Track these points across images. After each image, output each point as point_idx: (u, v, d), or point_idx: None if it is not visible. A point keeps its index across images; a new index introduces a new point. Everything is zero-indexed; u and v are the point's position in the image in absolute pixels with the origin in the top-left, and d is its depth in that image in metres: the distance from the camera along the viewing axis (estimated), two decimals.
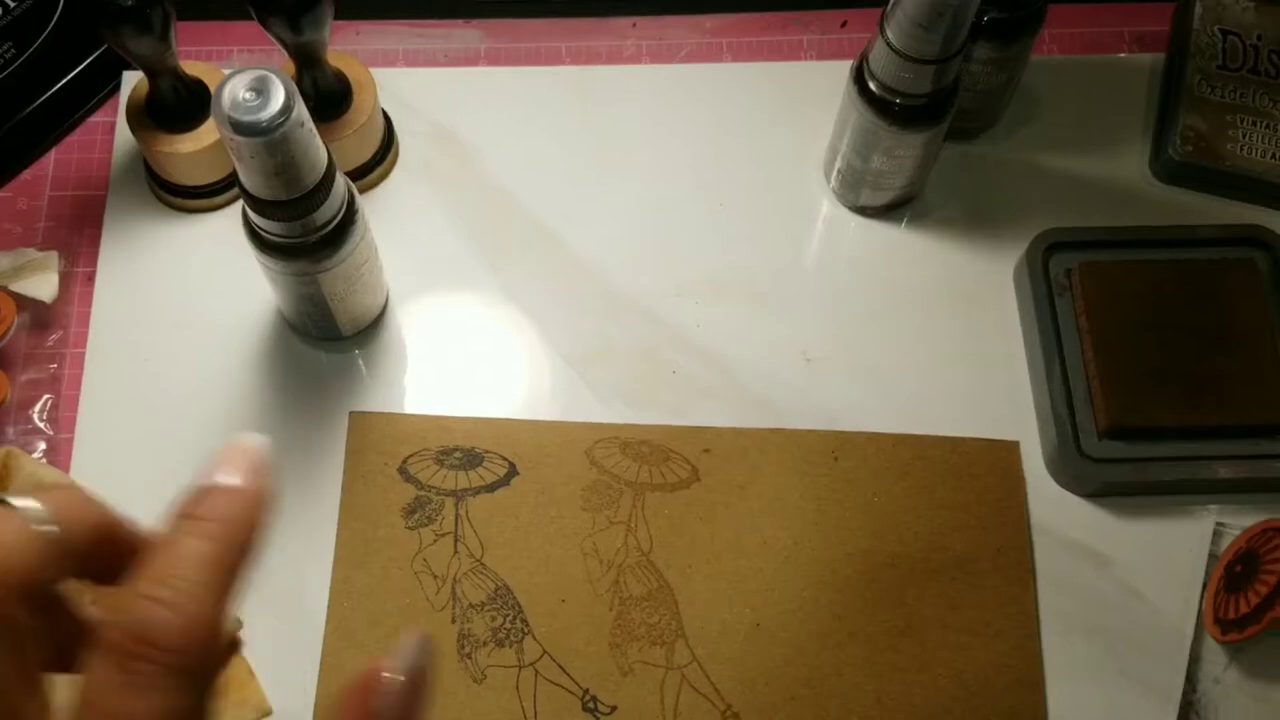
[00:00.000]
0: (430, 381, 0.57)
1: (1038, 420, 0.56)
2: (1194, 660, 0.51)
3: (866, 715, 0.51)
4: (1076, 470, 0.54)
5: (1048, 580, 0.53)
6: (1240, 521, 0.53)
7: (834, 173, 0.61)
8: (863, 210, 0.61)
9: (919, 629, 0.52)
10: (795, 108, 0.64)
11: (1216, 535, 0.53)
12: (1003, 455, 0.55)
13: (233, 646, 0.51)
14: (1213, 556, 0.53)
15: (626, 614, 0.52)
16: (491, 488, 0.54)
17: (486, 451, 0.55)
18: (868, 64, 0.54)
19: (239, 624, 0.51)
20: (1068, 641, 0.52)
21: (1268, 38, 0.63)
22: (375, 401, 0.57)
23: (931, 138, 0.56)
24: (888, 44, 0.52)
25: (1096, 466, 0.54)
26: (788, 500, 0.54)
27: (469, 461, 0.55)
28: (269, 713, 0.50)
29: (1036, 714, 0.51)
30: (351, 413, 0.56)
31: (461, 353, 0.58)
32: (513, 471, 0.55)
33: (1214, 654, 0.51)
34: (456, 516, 0.54)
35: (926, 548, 0.53)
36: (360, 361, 0.58)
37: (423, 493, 0.54)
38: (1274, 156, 0.60)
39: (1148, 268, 0.56)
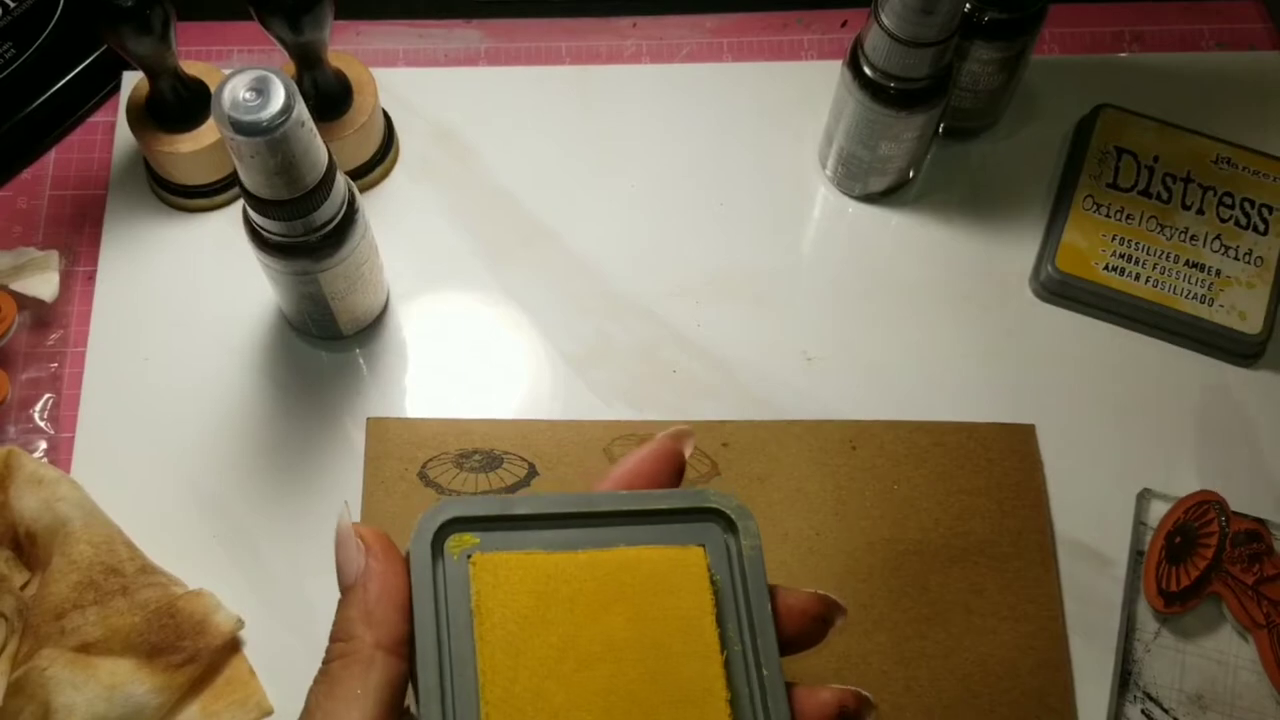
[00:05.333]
0: (431, 381, 0.57)
1: None
2: (1130, 628, 0.52)
3: (896, 702, 0.51)
4: None
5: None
6: (1167, 490, 0.54)
7: (831, 163, 0.61)
8: (866, 198, 0.61)
9: (944, 615, 0.52)
10: (795, 108, 0.64)
11: (1142, 501, 0.54)
12: (1019, 438, 0.56)
13: (234, 646, 0.52)
14: (1141, 524, 0.53)
15: None
16: (512, 489, 0.54)
17: (506, 453, 0.55)
18: (863, 51, 0.54)
19: (240, 623, 0.51)
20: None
21: (1164, 160, 0.60)
22: (376, 401, 0.57)
23: (932, 117, 0.56)
24: (885, 30, 0.52)
25: None
26: (808, 491, 0.54)
27: (489, 464, 0.55)
28: (270, 712, 0.50)
29: (1063, 695, 0.51)
30: (369, 419, 0.56)
31: (462, 352, 0.58)
32: (533, 472, 0.55)
33: (1146, 620, 0.52)
34: None
35: (948, 534, 0.54)
36: (361, 360, 0.58)
37: (444, 497, 0.54)
38: (1150, 283, 0.58)
39: None
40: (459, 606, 0.30)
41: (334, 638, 0.31)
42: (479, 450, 0.55)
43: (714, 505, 0.32)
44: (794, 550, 0.53)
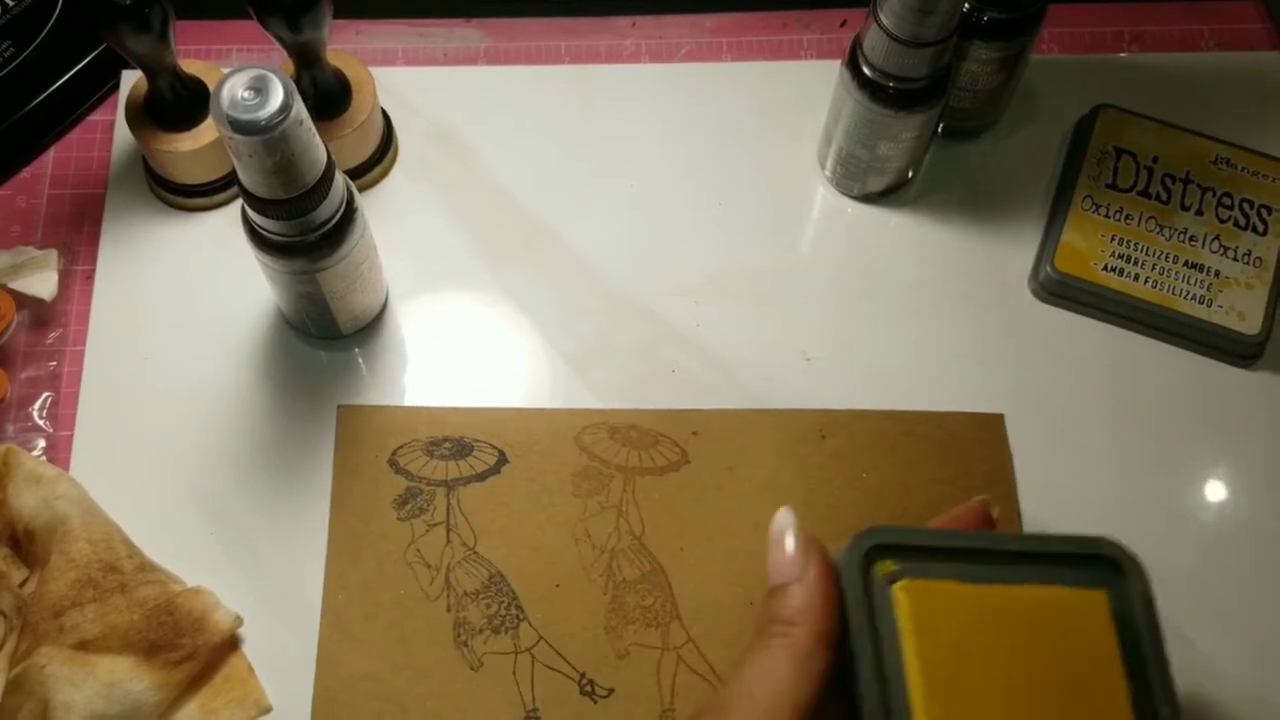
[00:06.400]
0: (430, 381, 0.57)
1: None
2: None
3: None
4: None
5: None
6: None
7: (830, 163, 0.61)
8: (865, 198, 0.61)
9: None
10: (795, 107, 0.64)
11: None
12: (988, 427, 0.56)
13: (233, 644, 0.52)
14: None
15: (621, 597, 0.52)
16: (482, 476, 0.55)
17: (476, 440, 0.55)
18: (862, 51, 0.54)
19: (239, 621, 0.51)
20: None
21: (1163, 161, 0.61)
22: (374, 400, 0.57)
23: (931, 117, 0.56)
24: (884, 30, 0.52)
25: None
26: (777, 480, 0.55)
27: (459, 451, 0.55)
28: (268, 710, 0.50)
29: None
30: (340, 406, 0.56)
31: (461, 352, 0.58)
32: (503, 460, 0.55)
33: None
34: (448, 506, 0.54)
35: (916, 522, 0.54)
36: (360, 360, 0.58)
37: (413, 484, 0.54)
38: (1149, 283, 0.58)
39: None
40: (885, 626, 0.34)
41: (781, 619, 0.35)
42: (449, 438, 0.55)
43: (1107, 553, 0.35)
44: (763, 539, 0.53)
